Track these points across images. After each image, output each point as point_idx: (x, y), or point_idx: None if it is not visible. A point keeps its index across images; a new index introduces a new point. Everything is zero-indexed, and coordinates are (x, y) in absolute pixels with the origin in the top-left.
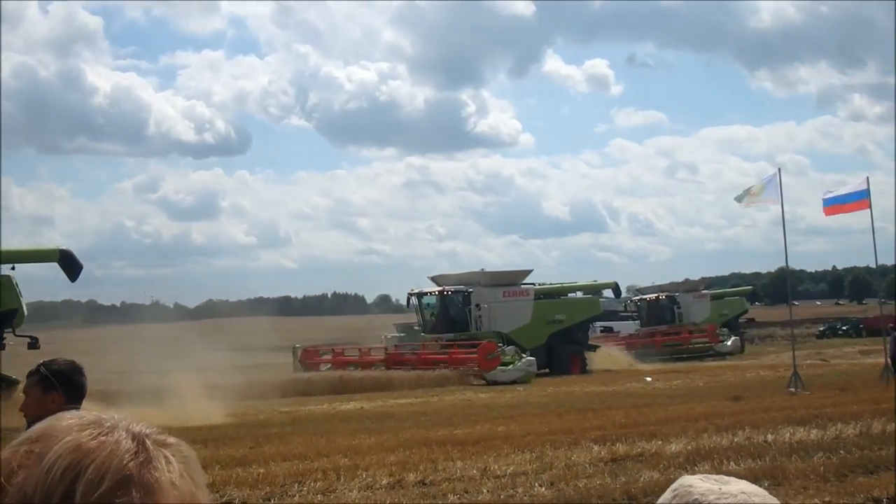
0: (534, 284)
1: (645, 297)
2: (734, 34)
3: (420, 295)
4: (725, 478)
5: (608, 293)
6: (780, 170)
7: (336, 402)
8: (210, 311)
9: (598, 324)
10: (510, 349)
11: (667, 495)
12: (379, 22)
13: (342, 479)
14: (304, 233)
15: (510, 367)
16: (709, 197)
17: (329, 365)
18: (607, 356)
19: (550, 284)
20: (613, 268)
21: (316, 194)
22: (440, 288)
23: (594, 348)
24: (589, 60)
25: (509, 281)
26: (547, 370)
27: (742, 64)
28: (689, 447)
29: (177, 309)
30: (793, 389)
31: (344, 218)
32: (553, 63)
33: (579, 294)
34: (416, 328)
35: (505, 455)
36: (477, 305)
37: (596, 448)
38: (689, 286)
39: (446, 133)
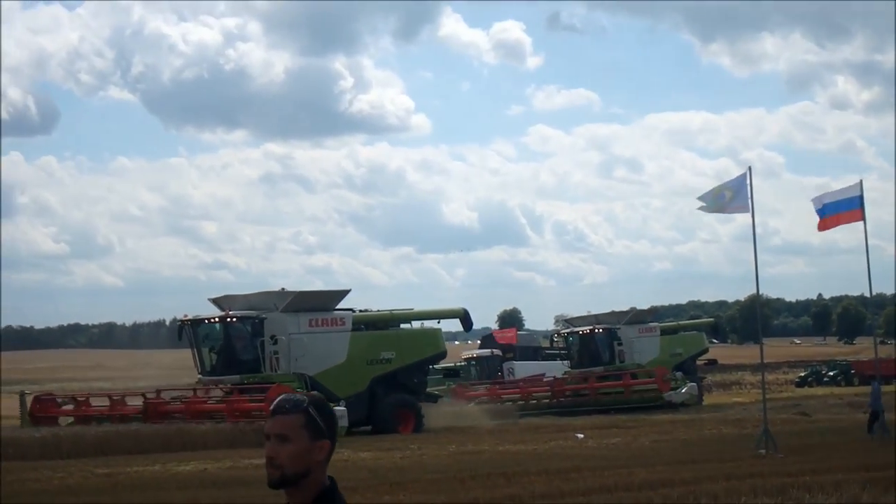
0: (352, 310)
1: (576, 330)
2: None
3: (195, 323)
4: None
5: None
6: (750, 169)
7: (173, 461)
8: (9, 341)
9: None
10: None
11: None
12: None
13: None
14: (131, 240)
15: None
16: (657, 202)
17: (71, 419)
18: (457, 411)
19: (376, 311)
20: (537, 292)
21: (145, 189)
22: (222, 314)
23: (435, 398)
24: (498, 22)
25: (318, 305)
26: (368, 427)
27: (692, 33)
28: None
29: None
30: (763, 451)
31: (183, 222)
32: (451, 24)
33: (417, 325)
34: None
35: None
36: (272, 338)
37: None
38: (635, 317)
39: (314, 113)
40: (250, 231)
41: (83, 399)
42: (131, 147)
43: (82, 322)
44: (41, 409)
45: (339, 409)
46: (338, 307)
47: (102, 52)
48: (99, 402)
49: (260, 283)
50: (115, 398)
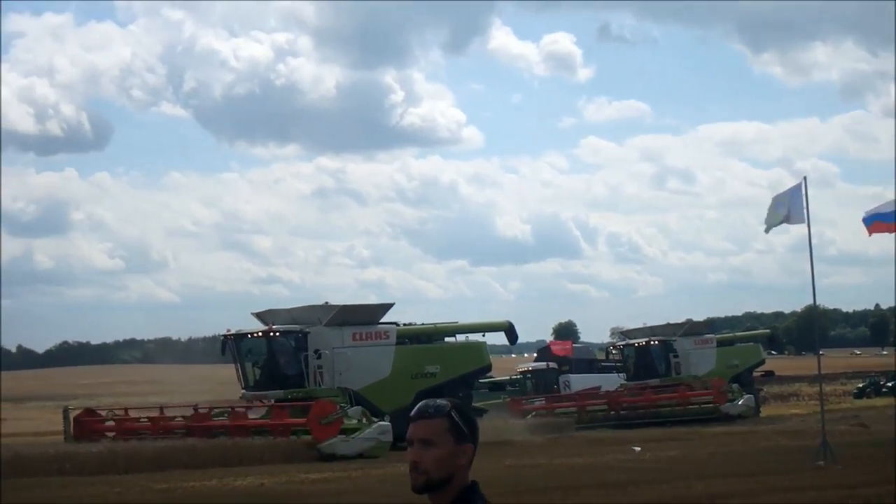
0: (396, 324)
1: (632, 342)
2: (733, 3)
3: (238, 338)
4: None
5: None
6: (805, 179)
7: (229, 476)
8: (66, 356)
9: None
10: (356, 410)
11: None
12: None
13: None
14: (185, 254)
15: (355, 434)
16: (711, 214)
17: (113, 434)
18: (502, 426)
19: (420, 325)
20: (591, 304)
21: (198, 204)
22: (266, 328)
23: (480, 413)
24: (548, 34)
25: (363, 319)
26: None
27: (743, 42)
28: None
29: (21, 354)
30: (822, 463)
31: (236, 236)
32: (501, 37)
33: (463, 338)
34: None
35: None
36: (316, 352)
37: None
38: (691, 329)
39: (365, 127)
40: (303, 245)
41: (127, 414)
42: (184, 162)
43: (138, 337)
44: (84, 424)
45: (382, 423)
46: (382, 321)
47: (154, 69)
48: (142, 417)
49: (314, 297)
50: (163, 412)
